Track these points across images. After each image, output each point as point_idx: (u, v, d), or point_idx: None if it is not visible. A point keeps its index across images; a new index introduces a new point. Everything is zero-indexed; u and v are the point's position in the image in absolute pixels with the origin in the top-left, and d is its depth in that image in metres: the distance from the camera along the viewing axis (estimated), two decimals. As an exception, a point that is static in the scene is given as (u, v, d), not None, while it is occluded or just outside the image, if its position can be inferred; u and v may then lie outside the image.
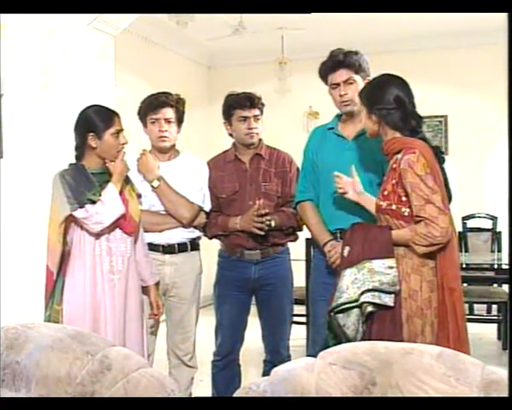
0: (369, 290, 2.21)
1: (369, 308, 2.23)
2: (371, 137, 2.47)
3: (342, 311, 2.26)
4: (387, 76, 2.44)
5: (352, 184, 2.53)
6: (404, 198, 2.28)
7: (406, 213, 2.28)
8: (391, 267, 2.23)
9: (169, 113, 3.05)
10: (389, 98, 2.36)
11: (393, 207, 2.30)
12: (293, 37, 6.43)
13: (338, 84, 2.77)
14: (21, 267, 3.62)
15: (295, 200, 2.99)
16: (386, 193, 2.33)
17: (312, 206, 2.88)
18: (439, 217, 2.21)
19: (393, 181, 2.30)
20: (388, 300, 2.23)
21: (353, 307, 2.24)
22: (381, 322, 2.24)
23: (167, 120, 3.05)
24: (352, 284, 2.24)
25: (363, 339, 2.23)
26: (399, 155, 2.30)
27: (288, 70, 6.63)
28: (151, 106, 3.05)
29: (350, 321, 2.25)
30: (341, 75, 2.75)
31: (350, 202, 2.65)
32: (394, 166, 2.31)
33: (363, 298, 2.22)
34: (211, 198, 3.14)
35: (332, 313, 2.28)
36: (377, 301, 2.22)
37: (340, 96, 2.77)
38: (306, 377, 1.41)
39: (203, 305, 3.67)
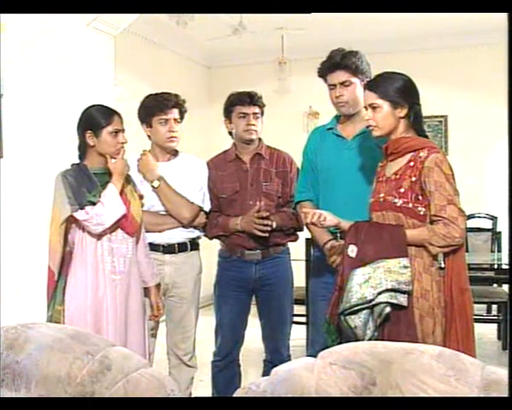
0: (387, 290, 2.18)
1: (387, 309, 2.19)
2: (379, 134, 2.39)
3: (353, 312, 2.21)
4: (404, 74, 2.41)
5: (323, 215, 2.43)
6: (420, 197, 2.25)
7: (422, 213, 2.26)
8: (406, 267, 2.20)
9: (177, 113, 3.07)
10: (418, 96, 2.37)
11: (410, 205, 2.26)
12: (293, 37, 6.43)
13: (335, 85, 2.77)
14: (22, 267, 3.62)
15: (295, 200, 3.00)
16: (402, 190, 2.28)
17: (312, 206, 2.87)
18: (459, 218, 2.21)
19: (413, 179, 2.26)
20: (403, 300, 2.20)
21: (364, 308, 2.20)
22: (396, 322, 2.21)
23: (176, 121, 3.06)
24: (365, 283, 2.19)
25: (375, 339, 2.20)
26: (422, 153, 2.27)
27: (288, 70, 6.63)
28: (160, 106, 3.04)
29: (361, 322, 2.21)
30: (338, 77, 2.75)
31: (349, 201, 2.65)
32: (412, 163, 2.28)
33: (381, 298, 2.18)
34: (211, 198, 3.14)
35: (342, 316, 2.23)
36: (394, 301, 2.18)
37: (336, 97, 2.77)
38: (306, 377, 1.41)
39: (203, 305, 3.68)
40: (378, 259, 2.21)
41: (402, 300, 2.20)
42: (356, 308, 2.19)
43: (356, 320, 2.21)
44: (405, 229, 2.26)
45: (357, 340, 2.16)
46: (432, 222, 2.24)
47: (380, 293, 2.18)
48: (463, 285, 2.27)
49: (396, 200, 2.29)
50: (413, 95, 2.37)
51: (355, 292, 2.19)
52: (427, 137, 2.41)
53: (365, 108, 2.41)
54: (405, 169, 2.30)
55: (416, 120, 2.36)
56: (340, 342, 2.18)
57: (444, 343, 2.18)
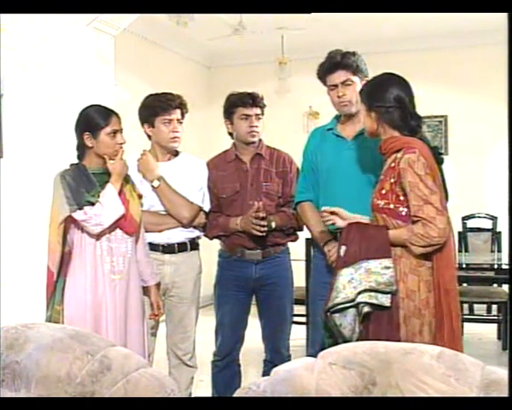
0: (365, 290, 2.21)
1: (366, 309, 2.22)
2: (370, 136, 2.45)
3: (338, 311, 2.25)
4: (389, 75, 2.43)
5: (336, 214, 2.51)
6: (401, 197, 2.27)
7: (404, 213, 2.27)
8: (387, 268, 2.22)
9: (179, 114, 3.07)
10: (389, 97, 2.35)
11: (391, 206, 2.29)
12: (293, 37, 6.43)
13: (336, 86, 2.77)
14: (22, 267, 3.62)
15: (295, 200, 3.00)
16: (383, 192, 2.31)
17: (312, 206, 2.88)
18: (436, 217, 2.20)
19: (392, 180, 2.28)
20: (385, 300, 2.22)
21: (350, 307, 2.23)
22: (378, 322, 2.23)
23: (179, 121, 3.06)
24: (349, 283, 2.23)
25: (359, 339, 2.22)
26: (399, 154, 2.28)
27: (288, 70, 6.63)
28: (163, 106, 3.03)
29: (346, 321, 2.24)
30: (339, 76, 2.76)
31: (350, 201, 2.65)
32: (393, 164, 2.30)
33: (360, 298, 2.21)
34: (211, 198, 3.14)
35: (328, 313, 2.27)
36: (374, 301, 2.21)
37: (339, 97, 2.77)
38: (306, 377, 1.41)
39: (203, 305, 3.67)
40: (360, 260, 2.25)
41: (383, 300, 2.22)
42: (340, 307, 2.24)
43: (341, 319, 2.25)
44: (389, 229, 2.28)
45: (343, 338, 2.22)
46: (413, 222, 2.25)
47: (359, 293, 2.22)
48: (448, 285, 2.27)
49: (379, 201, 2.33)
50: (383, 95, 2.35)
51: (339, 292, 2.24)
52: (422, 138, 2.40)
53: None
54: (387, 170, 2.34)
55: (400, 122, 2.35)
56: (335, 340, 2.21)
57: (432, 344, 2.17)
